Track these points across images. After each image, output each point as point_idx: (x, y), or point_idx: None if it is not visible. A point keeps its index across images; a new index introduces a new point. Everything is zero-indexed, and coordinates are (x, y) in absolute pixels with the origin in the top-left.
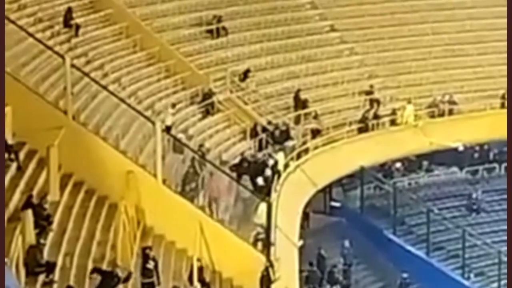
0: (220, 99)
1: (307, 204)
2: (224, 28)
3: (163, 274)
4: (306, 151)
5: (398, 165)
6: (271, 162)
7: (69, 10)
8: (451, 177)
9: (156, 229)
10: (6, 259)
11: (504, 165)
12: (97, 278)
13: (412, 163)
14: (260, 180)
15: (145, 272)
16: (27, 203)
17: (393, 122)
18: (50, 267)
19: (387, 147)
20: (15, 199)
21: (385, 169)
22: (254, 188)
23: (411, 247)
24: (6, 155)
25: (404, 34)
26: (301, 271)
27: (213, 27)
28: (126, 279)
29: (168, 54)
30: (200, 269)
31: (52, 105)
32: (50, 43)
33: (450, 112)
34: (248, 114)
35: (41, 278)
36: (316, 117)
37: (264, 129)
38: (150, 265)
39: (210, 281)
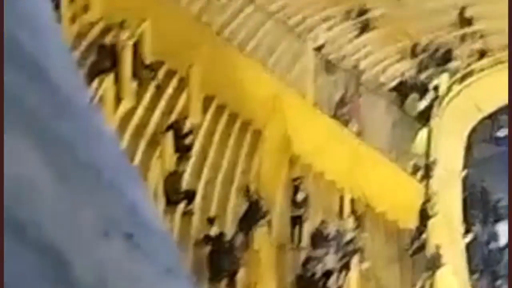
0: (377, 15)
1: (471, 132)
2: None
3: (312, 207)
4: (471, 73)
5: None
6: (432, 85)
7: None
8: None
9: (304, 158)
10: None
11: None
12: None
13: None
14: (421, 104)
15: (294, 204)
16: (167, 126)
17: None
18: (190, 196)
19: None
20: (154, 121)
21: None
22: (413, 113)
23: None
24: (145, 73)
25: None
26: (464, 204)
27: None
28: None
29: None
30: (352, 202)
31: (195, 19)
32: None
33: None
34: (407, 32)
35: (181, 207)
36: (482, 36)
37: (425, 49)
38: (300, 197)
39: (363, 215)
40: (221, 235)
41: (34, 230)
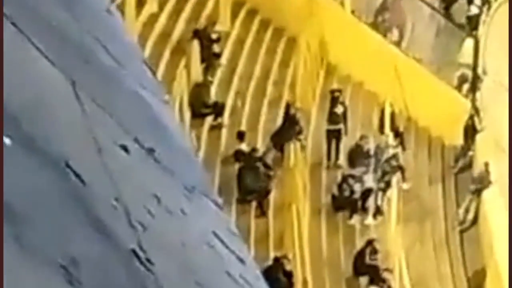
0: None
1: None
2: None
3: (350, 121)
4: None
5: None
6: None
7: None
8: None
9: (341, 68)
10: (167, 97)
11: None
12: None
13: None
14: (469, 11)
15: (331, 118)
16: (194, 33)
17: None
18: (218, 109)
19: None
20: (179, 28)
21: None
22: (460, 20)
23: None
24: None
25: None
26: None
27: None
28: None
29: None
30: (393, 116)
31: None
32: None
33: None
34: None
35: (208, 120)
36: None
37: None
38: (339, 110)
39: (404, 130)
40: (252, 151)
41: (44, 143)
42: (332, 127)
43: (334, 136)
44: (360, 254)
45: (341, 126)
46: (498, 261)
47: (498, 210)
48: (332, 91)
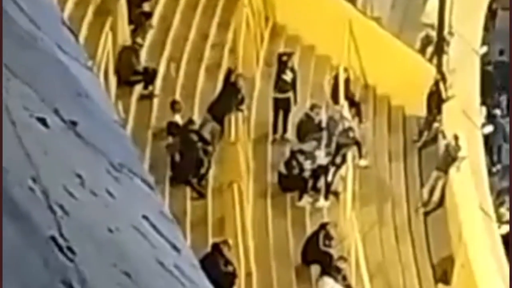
0: None
1: None
2: None
3: (299, 88)
4: None
5: None
6: None
7: None
8: None
9: (289, 28)
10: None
11: None
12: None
13: None
14: None
15: (278, 85)
16: None
17: None
18: (149, 76)
19: None
20: None
21: None
22: None
23: None
24: None
25: None
26: (482, 87)
27: None
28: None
29: None
30: (348, 83)
31: None
32: None
33: None
34: None
35: (138, 89)
36: None
37: None
38: (287, 76)
39: (361, 99)
40: (187, 123)
41: None
42: (279, 95)
43: (281, 106)
44: (312, 240)
45: (289, 94)
46: (467, 248)
47: (467, 190)
48: (279, 55)
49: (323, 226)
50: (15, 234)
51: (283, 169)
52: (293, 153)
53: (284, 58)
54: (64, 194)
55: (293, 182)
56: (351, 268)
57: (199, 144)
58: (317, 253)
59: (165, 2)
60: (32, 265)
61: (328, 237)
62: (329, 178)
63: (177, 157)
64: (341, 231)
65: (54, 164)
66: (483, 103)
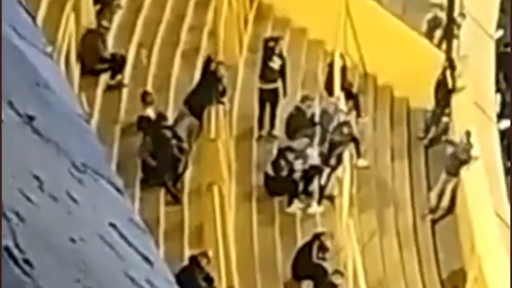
0: None
1: None
2: None
3: (289, 77)
4: None
5: None
6: None
7: None
8: None
9: (277, 9)
10: (50, 49)
11: None
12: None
13: None
14: None
15: (265, 74)
16: None
17: None
18: (117, 63)
19: None
20: None
21: None
22: None
23: None
24: None
25: None
26: (496, 76)
27: None
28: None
29: None
30: (344, 71)
31: None
32: None
33: None
34: None
35: (104, 79)
36: None
37: None
38: (275, 64)
39: (359, 90)
40: (160, 117)
41: None
42: (266, 86)
43: (268, 97)
44: (303, 252)
45: (277, 84)
46: (481, 259)
47: (481, 194)
48: (266, 40)
49: (317, 236)
50: None
51: (270, 170)
52: (281, 152)
53: (271, 43)
54: (20, 199)
55: (282, 184)
56: (348, 283)
57: (174, 142)
58: (310, 266)
59: None
60: None
61: (322, 248)
62: (323, 180)
63: (149, 157)
64: (336, 241)
65: (8, 164)
66: (498, 90)
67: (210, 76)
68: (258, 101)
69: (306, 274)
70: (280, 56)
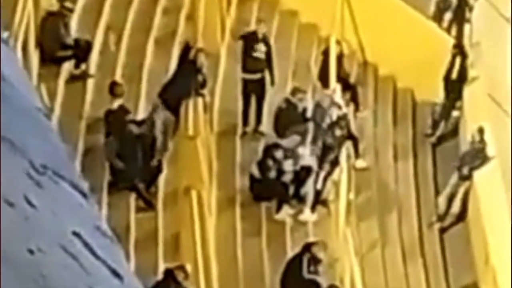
0: None
1: None
2: None
3: (278, 66)
4: None
5: None
6: None
7: None
8: None
9: None
10: (6, 34)
11: None
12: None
13: None
14: None
15: (248, 64)
16: None
17: None
18: (81, 50)
19: None
20: None
21: None
22: None
23: None
24: None
25: None
26: None
27: None
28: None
29: None
30: (341, 60)
31: None
32: None
33: None
34: None
35: (67, 68)
36: None
37: None
38: (258, 52)
39: (358, 81)
40: (125, 111)
41: None
42: (248, 76)
43: (253, 89)
44: (293, 265)
45: (262, 74)
46: (496, 273)
47: (496, 199)
48: (260, 20)
49: (307, 247)
50: None
51: (255, 171)
52: (268, 150)
53: (257, 27)
54: None
55: (269, 187)
56: None
57: (147, 140)
58: (300, 282)
59: None
60: None
61: (314, 261)
62: (317, 183)
63: (115, 158)
64: (332, 253)
65: None
66: None
67: (188, 65)
68: (242, 93)
69: None
70: (265, 42)
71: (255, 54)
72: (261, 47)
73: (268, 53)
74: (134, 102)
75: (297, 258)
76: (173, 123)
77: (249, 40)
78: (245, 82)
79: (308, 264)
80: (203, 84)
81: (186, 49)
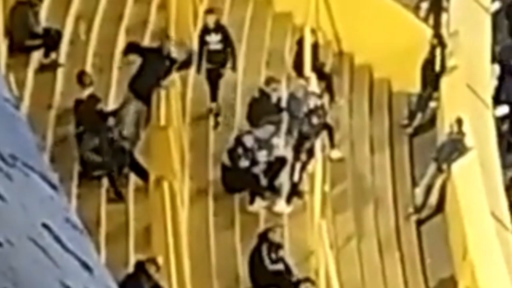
0: None
1: None
2: None
3: (252, 56)
4: None
5: None
6: None
7: None
8: None
9: None
10: None
11: None
12: (136, 60)
13: None
14: None
15: (210, 57)
16: None
17: None
18: (51, 39)
19: None
20: None
21: None
22: None
23: None
24: None
25: None
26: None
27: None
28: (185, 64)
29: None
30: (316, 49)
31: None
32: None
33: None
34: None
35: (36, 57)
36: None
37: None
38: (213, 44)
39: (333, 70)
40: (97, 100)
41: None
42: (211, 65)
43: (223, 77)
44: (254, 259)
45: (232, 62)
46: (474, 267)
47: (475, 191)
48: (209, 11)
49: (263, 235)
50: None
51: (226, 159)
52: (239, 139)
53: (205, 18)
54: None
55: (240, 178)
56: None
57: (118, 130)
58: (267, 275)
59: None
60: None
61: (274, 247)
62: (292, 175)
63: (90, 151)
64: (307, 245)
65: None
66: (494, 59)
67: (159, 55)
68: (208, 83)
69: (267, 283)
70: (217, 30)
71: (211, 47)
72: (213, 38)
73: (226, 39)
74: (105, 91)
75: (256, 251)
76: (144, 112)
77: (201, 36)
78: (209, 71)
79: (268, 252)
80: (172, 71)
81: (163, 40)
